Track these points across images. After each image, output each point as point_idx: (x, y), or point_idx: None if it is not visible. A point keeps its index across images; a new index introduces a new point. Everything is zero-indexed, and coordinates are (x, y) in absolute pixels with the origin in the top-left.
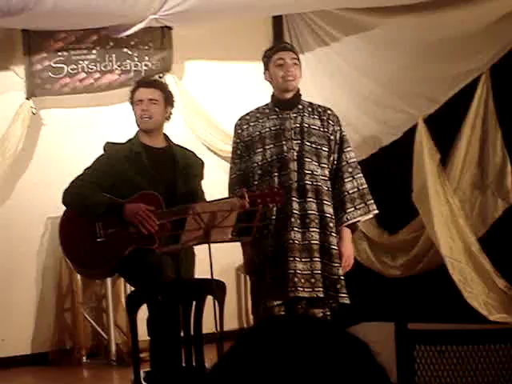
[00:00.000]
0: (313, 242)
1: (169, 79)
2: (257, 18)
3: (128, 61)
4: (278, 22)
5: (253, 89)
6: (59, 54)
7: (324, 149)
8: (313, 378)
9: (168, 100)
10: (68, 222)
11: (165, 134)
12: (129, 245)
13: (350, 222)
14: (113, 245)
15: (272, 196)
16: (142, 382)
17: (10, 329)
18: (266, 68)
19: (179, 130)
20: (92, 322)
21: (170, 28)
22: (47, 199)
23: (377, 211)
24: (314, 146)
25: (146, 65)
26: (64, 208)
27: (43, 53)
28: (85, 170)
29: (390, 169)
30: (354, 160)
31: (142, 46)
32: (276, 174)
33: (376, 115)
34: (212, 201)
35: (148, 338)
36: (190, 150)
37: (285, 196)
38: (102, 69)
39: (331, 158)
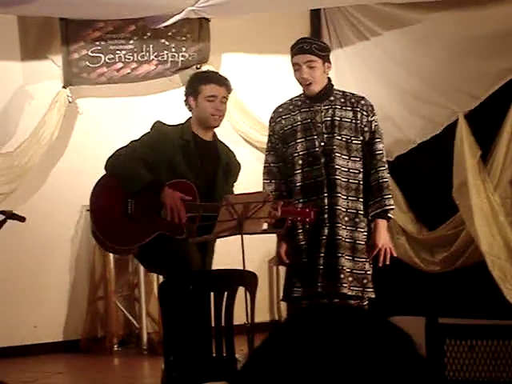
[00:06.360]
0: (338, 237)
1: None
2: (295, 11)
3: (165, 51)
4: (315, 15)
5: (289, 82)
6: (97, 43)
7: (355, 141)
8: (355, 366)
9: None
10: (101, 194)
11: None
12: (157, 228)
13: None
14: (142, 224)
15: (303, 215)
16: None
17: (43, 316)
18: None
19: None
20: (124, 310)
21: (207, 20)
22: (82, 187)
23: (393, 207)
24: (344, 139)
25: (183, 56)
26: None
27: (81, 42)
28: (132, 141)
29: (430, 164)
30: (380, 152)
31: (179, 37)
32: (307, 168)
33: (416, 110)
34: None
35: None
36: (231, 150)
37: (316, 217)
38: (139, 59)
39: (364, 150)
